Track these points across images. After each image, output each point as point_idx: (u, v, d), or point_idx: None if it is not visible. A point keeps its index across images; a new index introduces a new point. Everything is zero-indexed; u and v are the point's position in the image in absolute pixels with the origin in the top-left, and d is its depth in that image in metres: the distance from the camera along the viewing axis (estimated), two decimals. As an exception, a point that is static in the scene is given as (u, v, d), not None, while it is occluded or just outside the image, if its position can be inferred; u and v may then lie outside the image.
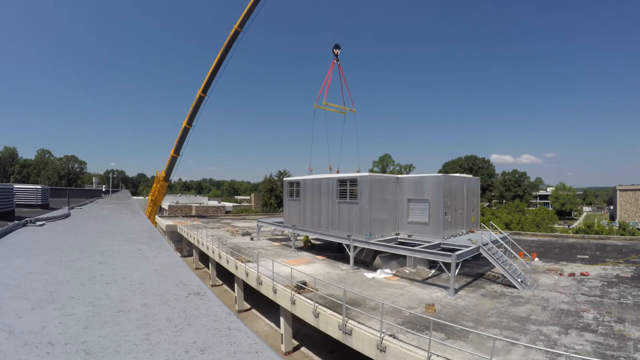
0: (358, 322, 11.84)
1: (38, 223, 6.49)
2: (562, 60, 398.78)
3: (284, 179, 30.04)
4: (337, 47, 31.57)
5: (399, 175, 23.58)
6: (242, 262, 21.30)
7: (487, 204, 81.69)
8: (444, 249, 17.70)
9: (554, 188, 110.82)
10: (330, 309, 13.05)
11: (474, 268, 20.43)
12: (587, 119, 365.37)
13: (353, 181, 21.74)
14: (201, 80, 45.09)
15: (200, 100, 45.07)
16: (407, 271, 19.95)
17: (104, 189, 39.88)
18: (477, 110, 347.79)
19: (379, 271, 19.15)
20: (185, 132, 46.52)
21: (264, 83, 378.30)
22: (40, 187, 14.88)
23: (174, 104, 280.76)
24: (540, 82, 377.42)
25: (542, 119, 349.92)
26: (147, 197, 53.46)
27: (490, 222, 26.47)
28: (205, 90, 44.76)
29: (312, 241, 28.99)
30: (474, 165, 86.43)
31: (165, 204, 66.76)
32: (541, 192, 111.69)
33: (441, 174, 21.63)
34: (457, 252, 15.78)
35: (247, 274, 19.85)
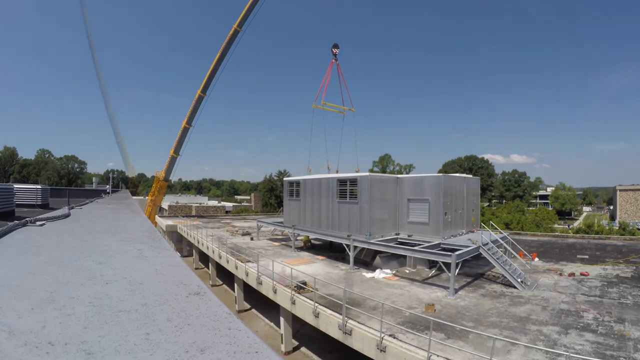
0: (358, 322, 11.84)
1: (38, 223, 6.48)
2: (560, 59, 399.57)
3: (284, 179, 30.04)
4: (335, 46, 31.66)
5: (399, 175, 23.58)
6: (242, 262, 21.30)
7: (487, 204, 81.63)
8: (444, 249, 17.71)
9: (553, 188, 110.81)
10: (330, 309, 13.05)
11: (474, 268, 20.43)
12: (587, 119, 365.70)
13: (353, 181, 21.73)
14: (201, 79, 45.28)
15: (199, 100, 45.15)
16: (407, 271, 19.95)
17: (107, 189, 39.65)
18: (474, 110, 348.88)
19: (378, 271, 19.14)
20: (185, 131, 46.60)
21: (264, 83, 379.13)
22: (40, 187, 14.85)
23: (174, 104, 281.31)
24: (535, 81, 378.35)
25: (535, 119, 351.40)
26: (147, 197, 53.50)
27: (490, 222, 26.50)
28: (204, 90, 44.84)
29: (312, 241, 29.00)
30: (474, 165, 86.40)
31: (165, 204, 66.78)
32: (541, 192, 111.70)
33: (441, 174, 21.64)
34: (457, 252, 15.79)
35: (247, 274, 19.86)
